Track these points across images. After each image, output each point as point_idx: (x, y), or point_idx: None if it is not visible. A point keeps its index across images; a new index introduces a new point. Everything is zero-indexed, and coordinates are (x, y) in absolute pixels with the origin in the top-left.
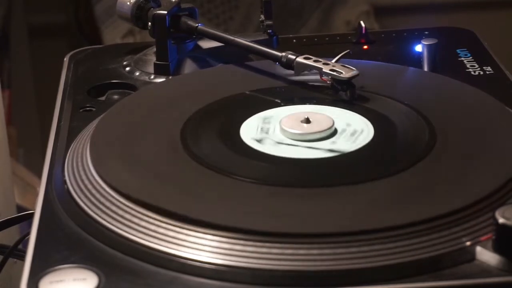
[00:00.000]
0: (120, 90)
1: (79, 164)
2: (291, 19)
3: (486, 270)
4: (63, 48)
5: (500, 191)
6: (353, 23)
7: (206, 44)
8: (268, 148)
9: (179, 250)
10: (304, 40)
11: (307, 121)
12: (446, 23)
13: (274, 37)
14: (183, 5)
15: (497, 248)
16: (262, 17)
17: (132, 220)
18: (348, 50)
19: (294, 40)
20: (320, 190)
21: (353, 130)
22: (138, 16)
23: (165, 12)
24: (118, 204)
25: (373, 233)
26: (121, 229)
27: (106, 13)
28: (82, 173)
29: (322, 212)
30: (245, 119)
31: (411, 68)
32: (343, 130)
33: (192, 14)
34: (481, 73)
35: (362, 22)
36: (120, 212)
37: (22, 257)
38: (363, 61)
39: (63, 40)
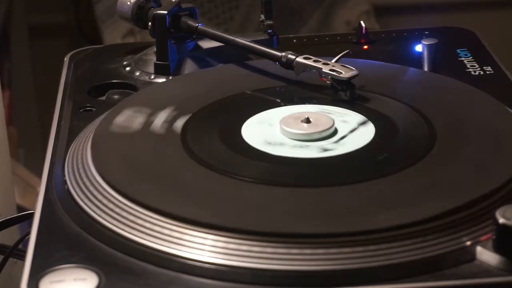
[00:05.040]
0: (120, 90)
1: (80, 164)
2: (291, 19)
3: (486, 270)
4: (63, 48)
5: (501, 191)
6: (353, 23)
7: (207, 44)
8: (268, 148)
9: (179, 250)
10: (305, 40)
11: (307, 121)
12: (447, 23)
13: (274, 37)
14: (183, 5)
15: (497, 248)
16: (262, 17)
17: (132, 220)
18: (348, 50)
19: (294, 40)
20: (321, 190)
21: (353, 130)
22: (139, 16)
23: (165, 12)
24: (118, 204)
25: (373, 233)
26: (121, 229)
27: (107, 13)
28: (82, 173)
29: (323, 212)
30: (246, 119)
31: (411, 68)
32: (343, 130)
33: (192, 14)
34: (481, 73)
35: (362, 22)
36: (120, 212)
37: (22, 257)
38: (363, 60)
39: (63, 40)
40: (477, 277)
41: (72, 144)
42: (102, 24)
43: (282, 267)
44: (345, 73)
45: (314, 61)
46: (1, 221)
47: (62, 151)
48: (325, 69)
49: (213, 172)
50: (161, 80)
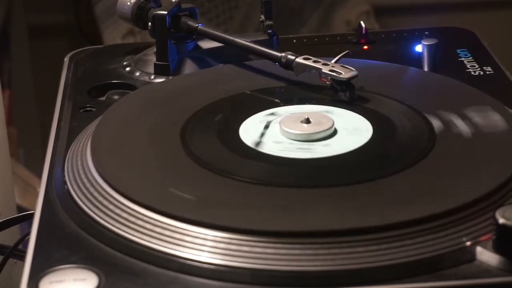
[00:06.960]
0: (120, 90)
1: (79, 164)
2: (291, 19)
3: (486, 270)
4: (63, 48)
5: (500, 191)
6: (353, 23)
7: (206, 44)
8: (267, 148)
9: (179, 250)
10: (304, 40)
11: (307, 121)
12: (447, 23)
13: (274, 37)
14: (183, 5)
15: (497, 248)
16: (262, 17)
17: (132, 220)
18: (348, 51)
19: (294, 40)
20: (321, 190)
21: (352, 130)
22: (139, 16)
23: (165, 12)
24: (118, 204)
25: (373, 233)
26: (121, 229)
27: (107, 13)
28: (82, 173)
29: (322, 211)
30: (245, 119)
31: (411, 68)
32: (343, 130)
33: (192, 14)
34: (481, 73)
35: (362, 22)
36: (120, 212)
37: (22, 257)
38: (363, 60)
39: (63, 40)
40: (477, 277)
41: (72, 145)
42: (102, 24)
43: (281, 267)
44: (345, 73)
45: (314, 61)
46: (1, 221)
47: (62, 151)
48: (325, 70)
49: (211, 172)
50: (161, 80)
